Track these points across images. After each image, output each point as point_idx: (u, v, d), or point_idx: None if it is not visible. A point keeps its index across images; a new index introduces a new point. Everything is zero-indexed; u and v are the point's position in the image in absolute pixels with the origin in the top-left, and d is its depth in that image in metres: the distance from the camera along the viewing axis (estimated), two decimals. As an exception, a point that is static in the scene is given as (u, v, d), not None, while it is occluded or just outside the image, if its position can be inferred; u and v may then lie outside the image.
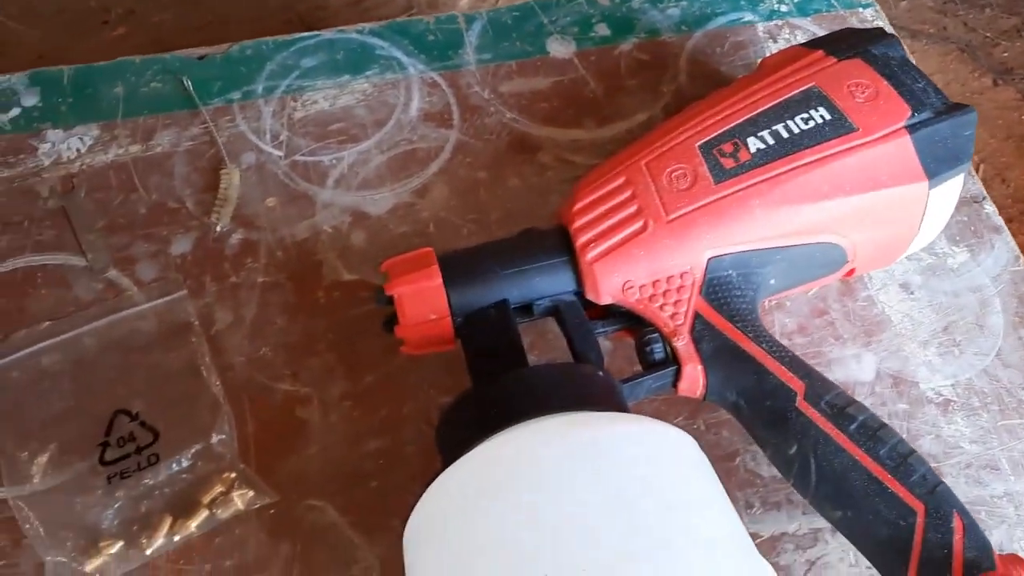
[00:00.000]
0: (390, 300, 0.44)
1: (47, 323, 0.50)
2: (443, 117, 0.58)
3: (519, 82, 0.60)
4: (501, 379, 0.39)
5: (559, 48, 0.61)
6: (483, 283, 0.44)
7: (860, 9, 0.64)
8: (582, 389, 0.39)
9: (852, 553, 0.44)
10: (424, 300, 0.43)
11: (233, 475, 0.45)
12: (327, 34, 0.61)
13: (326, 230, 0.53)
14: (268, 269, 0.52)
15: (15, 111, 0.57)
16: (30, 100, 0.57)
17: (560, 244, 0.44)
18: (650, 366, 0.43)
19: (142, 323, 0.50)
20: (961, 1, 1.70)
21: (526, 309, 0.45)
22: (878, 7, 0.64)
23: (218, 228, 0.53)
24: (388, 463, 0.46)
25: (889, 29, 0.59)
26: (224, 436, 0.46)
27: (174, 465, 0.45)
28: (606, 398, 0.39)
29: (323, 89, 0.59)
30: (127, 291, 0.51)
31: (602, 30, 0.62)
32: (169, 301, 0.51)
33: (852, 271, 0.48)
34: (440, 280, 0.43)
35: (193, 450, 0.46)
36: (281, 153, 0.56)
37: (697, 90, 0.59)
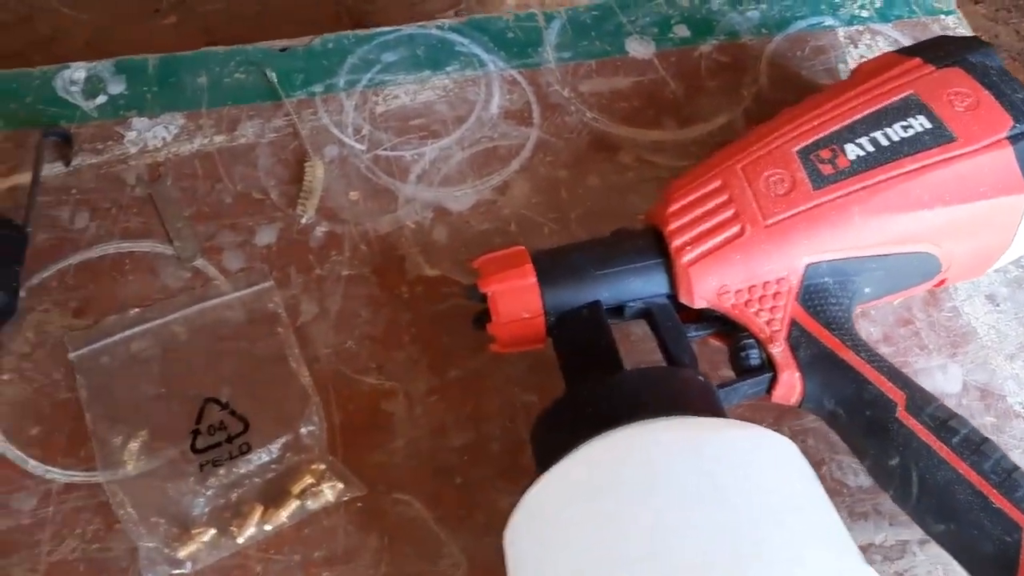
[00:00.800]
0: (483, 297, 0.44)
1: (136, 310, 0.50)
2: (523, 115, 0.58)
3: (599, 81, 0.60)
4: (602, 381, 0.39)
5: (639, 48, 0.61)
6: (577, 283, 0.44)
7: (942, 16, 0.63)
8: (683, 393, 0.39)
9: (941, 567, 0.43)
10: (518, 298, 0.43)
11: (323, 467, 0.45)
12: (407, 29, 0.61)
13: (409, 225, 0.54)
14: (352, 262, 0.52)
15: (102, 98, 0.58)
16: (116, 88, 0.58)
17: (654, 246, 0.44)
18: (745, 372, 0.43)
19: (230, 312, 0.50)
20: (1014, 9, 1.67)
21: (617, 310, 0.45)
22: (960, 14, 0.64)
23: (303, 220, 0.53)
24: (473, 459, 0.47)
25: (967, 34, 0.59)
26: (314, 427, 0.46)
27: (264, 455, 0.46)
28: (706, 403, 0.39)
29: (404, 84, 0.59)
30: (214, 280, 0.51)
31: (682, 31, 0.62)
32: (256, 291, 0.51)
33: (943, 281, 0.48)
34: (535, 279, 0.43)
35: (283, 440, 0.46)
36: (363, 147, 0.56)
37: (778, 94, 0.59)
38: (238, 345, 0.49)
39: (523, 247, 0.45)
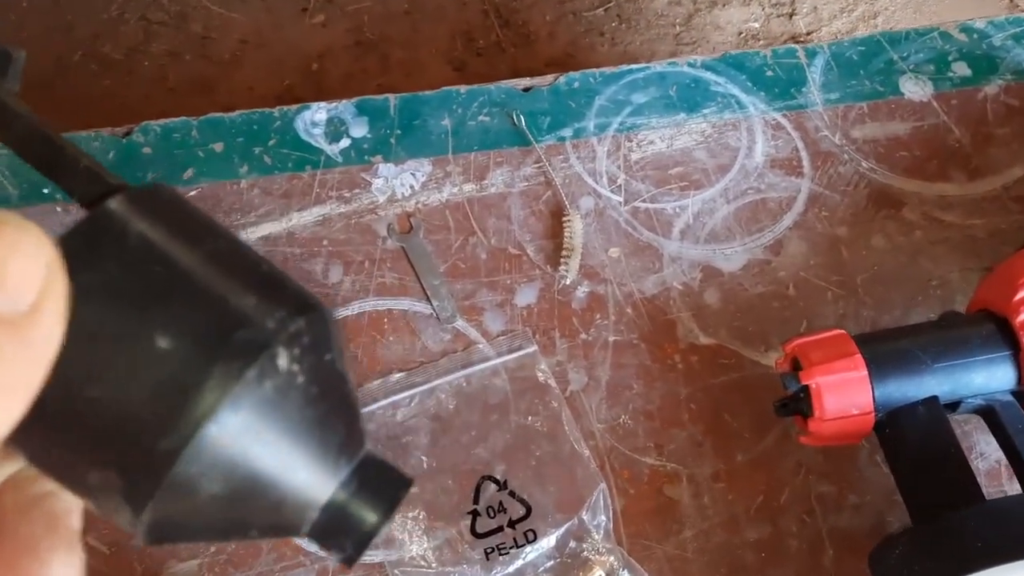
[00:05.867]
0: (802, 388, 0.40)
1: (400, 373, 0.48)
2: (792, 164, 0.54)
3: (873, 127, 0.55)
4: (968, 514, 0.35)
5: (914, 89, 0.56)
6: (912, 376, 0.39)
7: None
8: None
9: None
10: (847, 393, 0.39)
11: (612, 559, 0.42)
12: (657, 67, 0.57)
13: (676, 287, 0.50)
14: (618, 327, 0.49)
15: (345, 142, 0.56)
16: (359, 131, 0.56)
17: (999, 336, 0.40)
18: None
19: (496, 380, 0.48)
20: None
21: (950, 405, 0.40)
22: None
23: (567, 281, 0.50)
24: (771, 556, 0.43)
25: None
26: (602, 514, 0.43)
27: (551, 542, 0.43)
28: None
29: (658, 128, 0.55)
30: (476, 343, 0.49)
31: (961, 69, 0.56)
32: (520, 357, 0.48)
33: None
34: (866, 371, 0.39)
35: (566, 527, 0.43)
36: (620, 198, 0.53)
37: (1080, 142, 0.53)
38: (507, 417, 0.47)
39: (844, 331, 0.41)
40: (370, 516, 0.23)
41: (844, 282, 0.50)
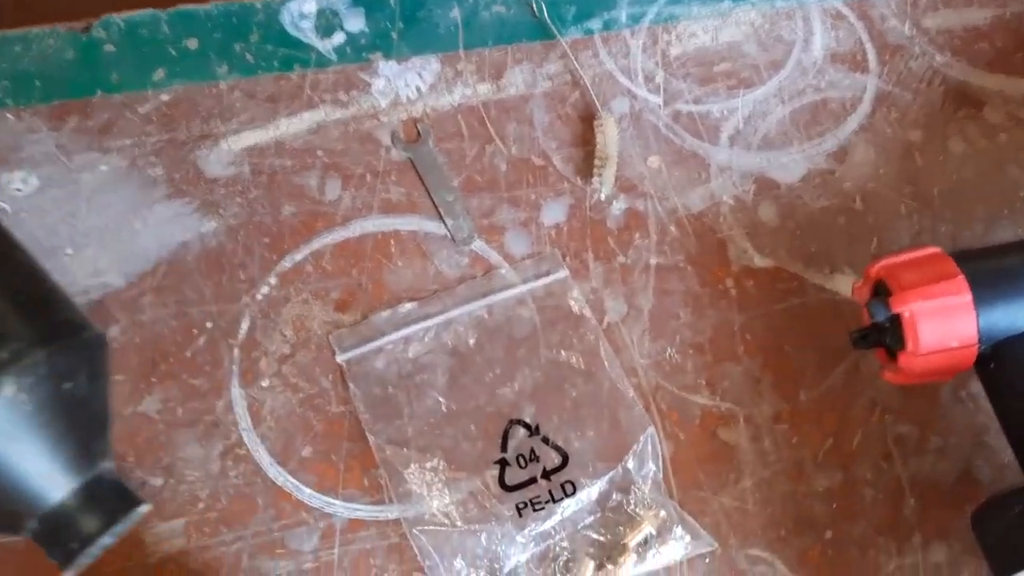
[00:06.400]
0: (891, 317, 0.34)
1: (410, 304, 0.42)
2: (856, 59, 0.47)
3: (947, 14, 0.47)
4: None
5: (996, -30, 0.48)
6: (1023, 301, 0.33)
7: None
8: None
9: None
10: (947, 321, 0.33)
11: (663, 514, 0.37)
12: (698, -53, 0.50)
13: (726, 201, 0.44)
14: (661, 248, 0.43)
15: (339, 37, 0.48)
16: (355, 24, 0.48)
17: (1125, 254, 0.34)
18: None
19: (521, 309, 0.42)
20: None
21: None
22: None
23: (601, 195, 0.43)
24: (843, 508, 0.38)
25: None
26: (650, 461, 0.38)
27: (592, 495, 0.37)
28: None
29: (700, 19, 0.48)
30: (498, 268, 0.43)
31: (1049, -53, 0.49)
32: (549, 283, 0.42)
33: None
34: (970, 295, 0.33)
35: (608, 476, 0.38)
36: (659, 99, 0.46)
37: None
38: (536, 352, 0.41)
39: (939, 249, 0.35)
40: (86, 527, 0.26)
41: (918, 193, 0.44)
